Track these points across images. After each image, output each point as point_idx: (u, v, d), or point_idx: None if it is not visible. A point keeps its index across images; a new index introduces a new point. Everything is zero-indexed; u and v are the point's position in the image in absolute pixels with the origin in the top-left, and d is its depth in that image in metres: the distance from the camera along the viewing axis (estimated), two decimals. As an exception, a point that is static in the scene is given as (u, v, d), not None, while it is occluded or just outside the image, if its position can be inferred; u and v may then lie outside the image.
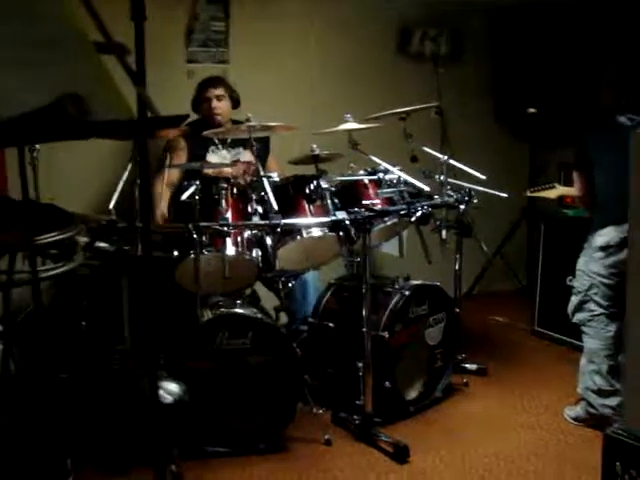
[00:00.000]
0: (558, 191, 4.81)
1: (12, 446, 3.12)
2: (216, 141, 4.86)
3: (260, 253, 3.96)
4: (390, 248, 4.62)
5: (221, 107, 4.87)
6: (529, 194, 5.07)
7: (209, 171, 4.47)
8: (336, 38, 5.88)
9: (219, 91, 4.88)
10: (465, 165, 4.63)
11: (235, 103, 4.96)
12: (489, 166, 6.03)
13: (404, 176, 4.18)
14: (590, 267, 4.03)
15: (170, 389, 3.20)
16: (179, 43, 5.41)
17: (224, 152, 4.90)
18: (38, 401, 3.18)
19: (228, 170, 4.59)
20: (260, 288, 4.59)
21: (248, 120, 4.03)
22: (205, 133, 4.26)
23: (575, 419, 4.20)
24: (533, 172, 6.66)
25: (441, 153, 4.77)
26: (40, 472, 3.10)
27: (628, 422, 2.58)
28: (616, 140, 3.38)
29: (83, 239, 3.75)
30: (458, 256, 4.81)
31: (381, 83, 5.95)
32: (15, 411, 3.17)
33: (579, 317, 4.14)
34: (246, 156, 4.78)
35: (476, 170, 4.62)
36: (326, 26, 5.83)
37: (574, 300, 4.16)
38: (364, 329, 3.92)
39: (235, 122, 4.84)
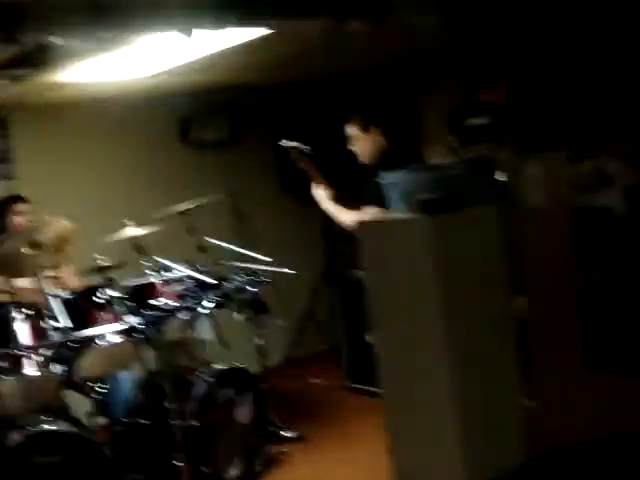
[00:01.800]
0: None
1: None
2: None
3: (64, 367, 4.10)
4: (205, 334, 4.84)
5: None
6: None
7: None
8: (119, 140, 6.11)
9: (29, 206, 5.03)
10: (260, 238, 4.89)
11: None
12: (284, 236, 6.41)
13: (188, 272, 4.42)
14: None
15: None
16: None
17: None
18: None
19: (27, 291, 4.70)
20: (76, 395, 4.66)
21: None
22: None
23: None
24: (326, 236, 7.00)
25: (238, 233, 5.03)
26: None
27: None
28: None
29: None
30: (259, 333, 5.04)
31: (168, 178, 6.20)
32: None
33: None
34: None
35: (271, 242, 4.92)
36: (107, 130, 6.04)
37: None
38: (172, 421, 4.10)
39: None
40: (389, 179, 3.03)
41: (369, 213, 4.48)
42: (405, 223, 2.88)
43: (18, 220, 4.99)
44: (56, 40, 3.79)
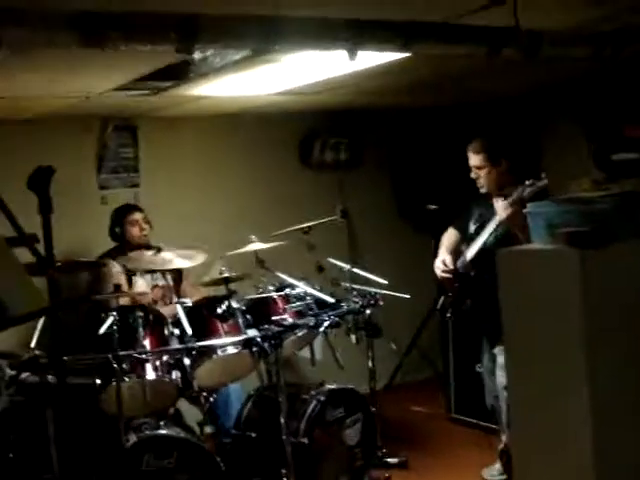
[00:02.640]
0: None
1: None
2: (140, 266, 5.08)
3: (179, 374, 4.19)
4: (308, 355, 4.87)
5: (148, 230, 5.11)
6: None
7: (127, 299, 4.67)
8: (241, 156, 6.20)
9: (142, 215, 5.15)
10: (373, 261, 4.90)
11: (150, 227, 5.20)
12: (396, 261, 6.40)
13: (309, 289, 4.45)
14: None
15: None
16: (91, 171, 5.65)
17: (148, 276, 5.12)
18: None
19: (149, 297, 4.83)
20: (186, 404, 4.75)
21: (160, 249, 4.30)
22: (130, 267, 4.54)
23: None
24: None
25: (350, 256, 5.06)
26: None
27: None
28: None
29: (9, 372, 3.93)
30: (370, 355, 5.03)
31: (287, 196, 6.25)
32: None
33: None
34: (163, 280, 5.01)
35: (383, 265, 4.92)
36: (230, 145, 6.15)
37: None
38: (284, 437, 4.13)
39: (147, 247, 5.08)
40: (534, 208, 2.99)
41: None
42: (552, 254, 2.83)
43: (133, 231, 5.10)
44: (198, 54, 3.92)
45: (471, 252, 4.47)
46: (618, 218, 2.80)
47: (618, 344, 2.83)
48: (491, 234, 4.33)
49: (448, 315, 4.73)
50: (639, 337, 2.89)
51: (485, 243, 4.37)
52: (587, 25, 3.29)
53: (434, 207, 6.49)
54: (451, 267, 4.55)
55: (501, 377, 4.30)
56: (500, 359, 4.31)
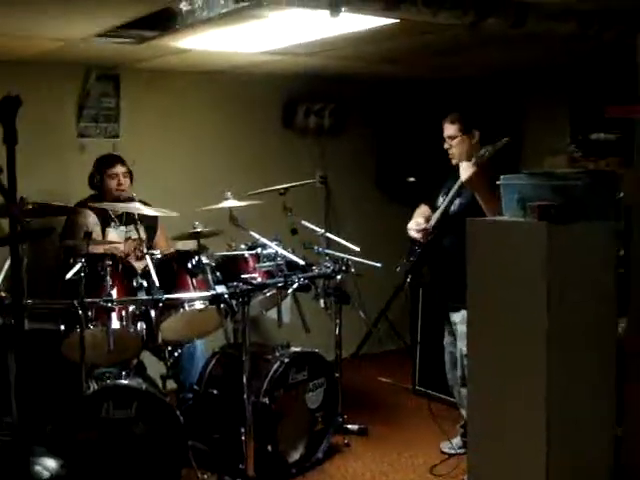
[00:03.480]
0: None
1: None
2: (114, 217, 5.05)
3: (145, 325, 4.18)
4: (276, 316, 4.86)
5: (126, 184, 5.06)
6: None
7: (98, 247, 4.63)
8: (223, 114, 6.17)
9: (124, 168, 5.08)
10: (347, 228, 4.89)
11: (131, 180, 5.15)
12: (370, 230, 6.42)
13: (281, 250, 4.44)
14: None
15: (47, 464, 3.33)
16: (71, 118, 5.60)
17: (122, 228, 5.09)
18: None
19: (120, 247, 4.80)
20: (149, 357, 4.75)
21: (133, 198, 4.27)
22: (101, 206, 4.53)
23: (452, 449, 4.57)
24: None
25: (326, 221, 5.06)
26: None
27: None
28: None
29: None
30: (338, 322, 5.04)
31: (267, 158, 6.25)
32: None
33: None
34: (136, 233, 4.97)
35: (357, 234, 4.91)
36: (213, 102, 6.11)
37: None
38: (245, 396, 4.14)
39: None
40: (507, 181, 2.99)
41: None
42: (520, 227, 2.84)
43: (110, 183, 5.05)
44: (185, 6, 3.88)
45: (434, 218, 4.47)
46: (589, 195, 2.81)
47: (578, 317, 2.86)
48: (454, 198, 4.33)
49: (407, 281, 4.68)
50: (598, 311, 2.92)
51: (447, 209, 4.37)
52: (574, 2, 3.28)
53: (413, 179, 6.51)
54: (424, 226, 4.52)
55: (462, 346, 4.31)
56: (461, 327, 4.32)
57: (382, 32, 4.06)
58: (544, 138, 5.66)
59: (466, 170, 4.16)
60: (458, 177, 4.27)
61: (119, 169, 5.05)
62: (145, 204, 4.54)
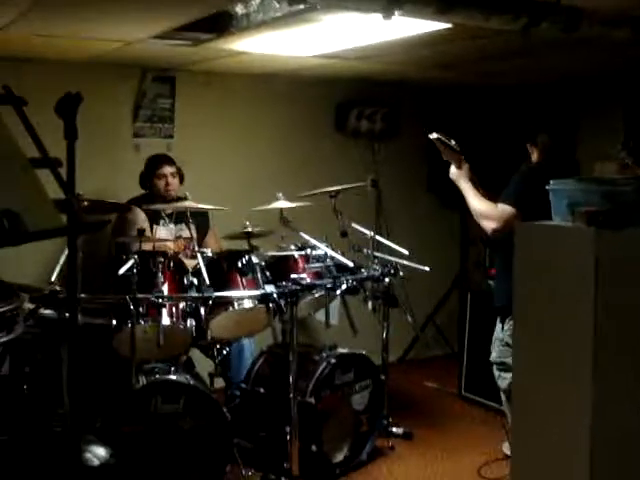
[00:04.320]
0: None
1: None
2: (164, 215, 5.14)
3: (194, 323, 4.25)
4: (324, 318, 4.91)
5: (175, 184, 5.16)
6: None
7: (148, 245, 4.72)
8: (275, 116, 6.23)
9: (173, 169, 5.19)
10: (397, 232, 4.90)
11: (181, 180, 5.25)
12: (420, 234, 6.44)
13: (330, 252, 4.48)
14: None
15: (97, 452, 3.40)
16: (127, 118, 5.70)
17: (171, 226, 5.18)
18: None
19: (171, 245, 4.89)
20: (198, 354, 4.83)
21: (186, 198, 4.36)
22: (147, 207, 4.61)
23: None
24: (464, 243, 6.98)
25: (376, 224, 5.08)
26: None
27: None
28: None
29: (28, 306, 3.99)
30: (385, 325, 5.06)
31: (318, 160, 6.28)
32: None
33: None
34: (187, 232, 5.06)
35: (407, 237, 4.94)
36: (266, 104, 6.18)
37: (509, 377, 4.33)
38: (291, 395, 4.18)
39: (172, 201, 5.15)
40: (557, 186, 2.99)
41: (502, 210, 4.36)
42: (568, 232, 2.84)
43: (159, 183, 5.16)
44: (241, 9, 3.94)
45: None
46: (638, 202, 2.80)
47: (625, 324, 2.85)
48: None
49: None
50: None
51: None
52: (628, 8, 3.26)
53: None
54: None
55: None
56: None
57: (434, 37, 4.08)
58: (598, 146, 5.62)
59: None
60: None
61: (167, 169, 5.15)
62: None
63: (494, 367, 4.58)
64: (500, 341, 4.48)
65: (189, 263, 4.60)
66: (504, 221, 4.06)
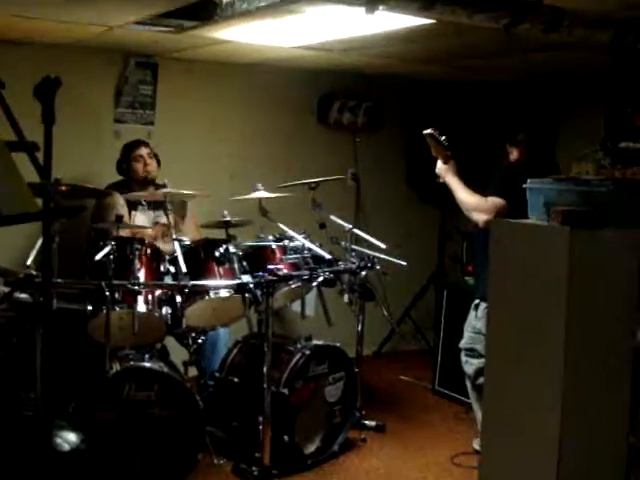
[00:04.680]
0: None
1: None
2: (142, 201, 5.13)
3: (170, 310, 4.25)
4: (299, 309, 4.92)
5: (153, 165, 5.17)
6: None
7: (127, 231, 4.71)
8: (258, 106, 6.22)
9: (148, 149, 5.22)
10: (376, 226, 4.92)
11: (159, 163, 5.25)
12: (399, 229, 6.45)
13: (308, 243, 4.49)
14: None
15: (68, 438, 3.40)
16: (108, 104, 5.68)
17: (150, 212, 5.17)
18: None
19: (149, 232, 4.88)
20: (173, 343, 4.82)
21: (165, 185, 4.35)
22: (126, 196, 4.57)
23: None
24: (442, 237, 7.00)
25: (355, 217, 5.09)
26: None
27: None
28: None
29: (2, 289, 3.98)
30: (360, 318, 5.07)
31: (299, 151, 6.29)
32: None
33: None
34: (165, 219, 5.04)
35: (385, 231, 4.96)
36: (248, 94, 6.16)
37: (477, 363, 4.49)
38: (265, 385, 4.19)
39: (151, 184, 5.14)
40: (533, 185, 3.02)
41: (493, 202, 4.36)
42: (543, 230, 2.87)
43: (137, 166, 5.17)
44: (225, -4, 3.94)
45: None
46: (613, 202, 2.83)
47: (596, 321, 2.88)
48: None
49: None
50: (618, 318, 2.93)
51: None
52: (611, 11, 3.28)
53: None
54: None
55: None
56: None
57: (418, 31, 4.09)
58: (578, 146, 5.65)
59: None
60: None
61: (143, 150, 5.19)
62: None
63: (462, 353, 4.65)
64: (472, 328, 4.54)
65: (166, 248, 4.59)
66: (496, 213, 4.13)
